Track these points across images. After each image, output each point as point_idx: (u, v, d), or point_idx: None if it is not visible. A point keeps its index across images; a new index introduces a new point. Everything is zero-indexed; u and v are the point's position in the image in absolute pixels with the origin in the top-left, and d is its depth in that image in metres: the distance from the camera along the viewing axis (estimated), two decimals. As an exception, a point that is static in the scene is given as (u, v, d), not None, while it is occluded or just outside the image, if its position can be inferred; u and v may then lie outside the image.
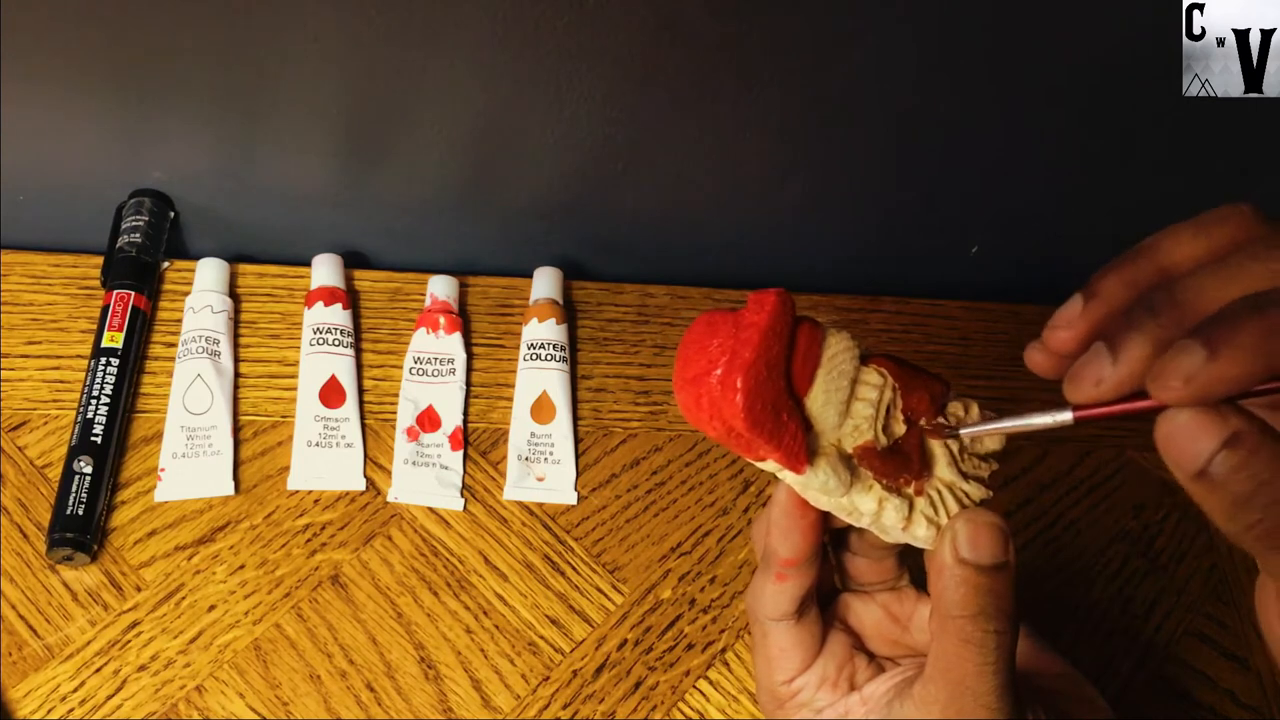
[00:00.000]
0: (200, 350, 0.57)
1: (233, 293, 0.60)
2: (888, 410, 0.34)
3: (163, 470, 0.54)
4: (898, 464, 0.33)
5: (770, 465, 0.33)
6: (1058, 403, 0.30)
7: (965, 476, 0.34)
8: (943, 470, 0.34)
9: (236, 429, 0.56)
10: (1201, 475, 0.25)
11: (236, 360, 0.58)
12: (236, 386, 0.57)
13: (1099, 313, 0.29)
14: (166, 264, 0.61)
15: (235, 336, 0.59)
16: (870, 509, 0.33)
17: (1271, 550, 0.26)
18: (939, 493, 0.33)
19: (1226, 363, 0.25)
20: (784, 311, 0.31)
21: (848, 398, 0.33)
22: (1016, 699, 0.32)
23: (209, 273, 0.59)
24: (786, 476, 0.33)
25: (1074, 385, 0.28)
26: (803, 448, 0.32)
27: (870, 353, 0.34)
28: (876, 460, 0.33)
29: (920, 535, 0.33)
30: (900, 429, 0.34)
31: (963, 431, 0.34)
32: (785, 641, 0.37)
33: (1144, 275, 0.29)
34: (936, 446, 0.34)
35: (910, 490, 0.33)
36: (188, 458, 0.54)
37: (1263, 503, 0.25)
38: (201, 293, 0.59)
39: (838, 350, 0.33)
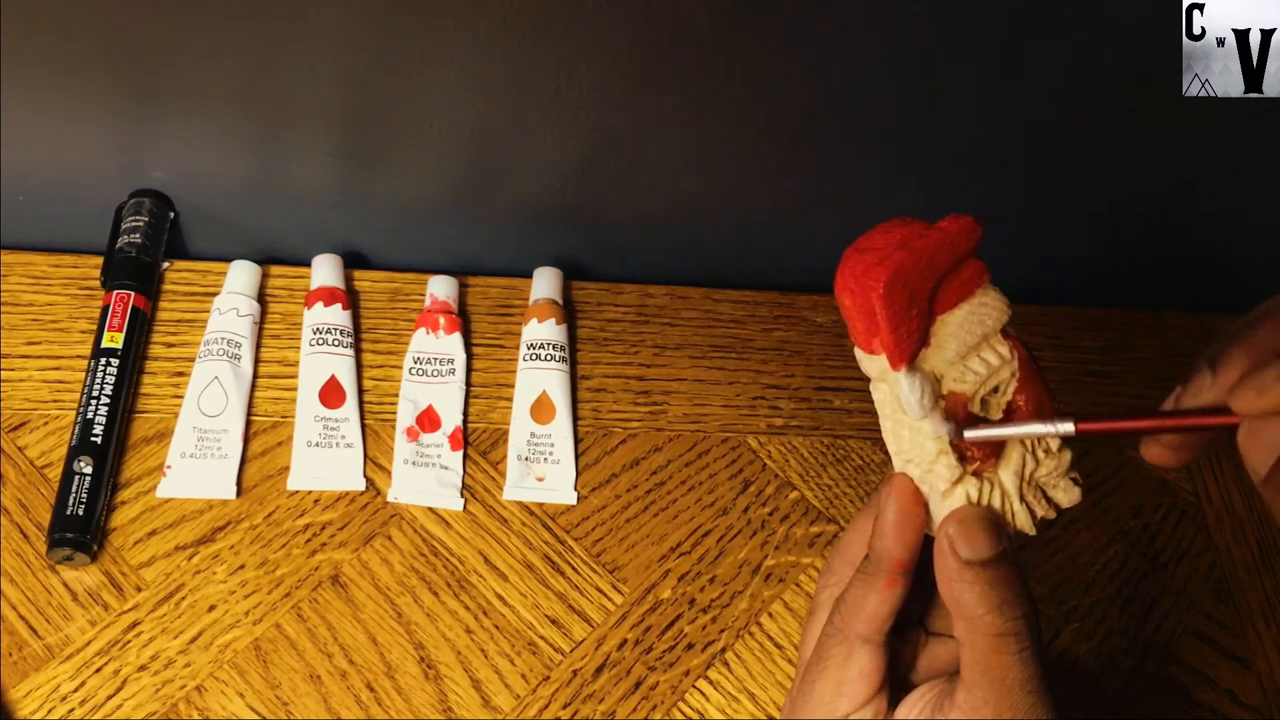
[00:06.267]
0: (221, 353, 0.57)
1: (261, 297, 0.60)
2: (996, 388, 0.34)
3: (168, 467, 0.54)
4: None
5: (873, 368, 0.34)
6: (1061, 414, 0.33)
7: (1021, 498, 0.34)
8: (1006, 476, 0.34)
9: (248, 435, 0.56)
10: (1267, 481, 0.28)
11: (256, 364, 0.58)
12: (253, 390, 0.57)
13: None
14: (166, 264, 0.61)
15: (258, 342, 0.59)
16: (931, 451, 0.33)
17: None
18: (991, 487, 0.33)
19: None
20: (967, 234, 0.34)
21: (973, 347, 0.34)
22: (1051, 683, 0.33)
23: (240, 275, 0.59)
24: (876, 369, 0.34)
25: (1182, 397, 0.31)
26: (911, 347, 0.33)
27: (1013, 334, 0.35)
28: (961, 415, 0.33)
29: (948, 507, 0.33)
30: (996, 414, 0.34)
31: (968, 435, 0.33)
32: (868, 665, 0.36)
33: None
34: (1014, 452, 0.34)
35: (970, 466, 0.33)
36: (195, 458, 0.54)
37: None
38: (230, 295, 0.58)
39: (989, 302, 0.34)
